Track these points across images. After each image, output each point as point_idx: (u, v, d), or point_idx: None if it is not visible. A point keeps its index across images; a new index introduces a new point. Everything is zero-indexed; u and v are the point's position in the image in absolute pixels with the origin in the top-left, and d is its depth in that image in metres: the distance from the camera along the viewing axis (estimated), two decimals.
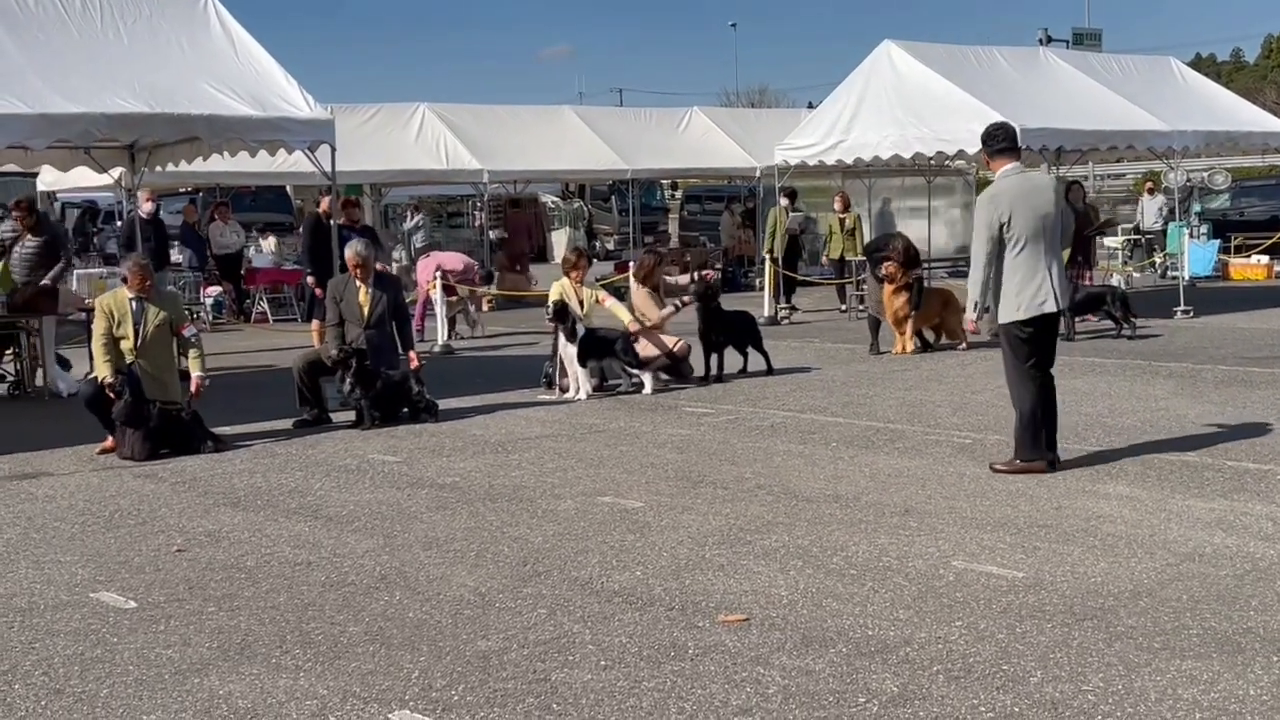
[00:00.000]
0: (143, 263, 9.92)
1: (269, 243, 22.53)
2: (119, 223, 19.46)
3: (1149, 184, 28.68)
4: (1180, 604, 5.44)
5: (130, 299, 9.75)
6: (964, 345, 14.48)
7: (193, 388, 9.77)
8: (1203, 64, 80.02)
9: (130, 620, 5.67)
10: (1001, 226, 7.90)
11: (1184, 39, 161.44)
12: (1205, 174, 30.03)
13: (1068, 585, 5.75)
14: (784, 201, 20.09)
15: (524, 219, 26.06)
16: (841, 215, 20.36)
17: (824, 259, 21.92)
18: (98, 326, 9.80)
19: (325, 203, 15.52)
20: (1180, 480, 7.74)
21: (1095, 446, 8.83)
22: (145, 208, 16.54)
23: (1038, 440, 8.02)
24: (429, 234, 24.54)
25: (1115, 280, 19.85)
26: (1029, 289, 7.91)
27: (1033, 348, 8.06)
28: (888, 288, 14.20)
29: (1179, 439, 9.02)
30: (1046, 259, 7.94)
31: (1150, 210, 26.52)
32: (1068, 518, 6.92)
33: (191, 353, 9.90)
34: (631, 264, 15.67)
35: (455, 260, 18.25)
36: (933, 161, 20.48)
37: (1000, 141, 8.18)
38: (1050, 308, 7.98)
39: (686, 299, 13.07)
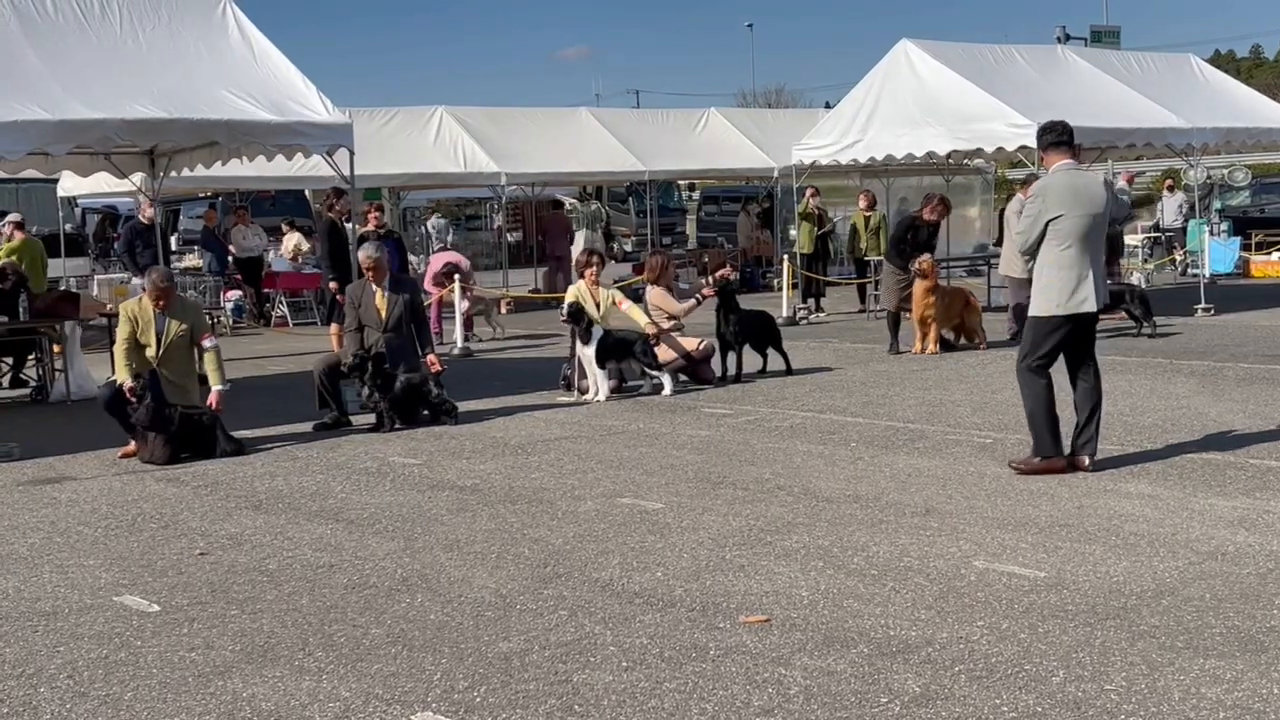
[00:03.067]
0: (164, 284, 9.92)
1: (292, 240, 22.52)
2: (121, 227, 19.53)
3: (1169, 181, 28.57)
4: (1203, 603, 5.42)
5: (154, 308, 9.82)
6: (983, 345, 14.45)
7: (211, 401, 9.80)
8: (1222, 60, 79.70)
9: (154, 623, 5.70)
10: (1049, 223, 7.86)
11: (1203, 35, 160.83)
12: (1225, 171, 29.93)
13: (1090, 585, 5.73)
14: (811, 201, 20.12)
15: (562, 221, 26.10)
16: (867, 214, 20.37)
17: (845, 257, 21.90)
18: (120, 331, 9.86)
19: (339, 204, 15.55)
20: (1202, 479, 7.71)
21: (1117, 445, 8.79)
22: (146, 214, 16.61)
23: (1055, 436, 7.96)
24: (442, 236, 24.58)
25: (1135, 278, 19.80)
26: (1071, 286, 7.86)
27: (1058, 346, 8.01)
28: (920, 284, 14.08)
29: (1201, 437, 8.99)
30: (1092, 257, 7.89)
31: (1170, 208, 26.40)
32: (1089, 517, 6.90)
33: (210, 363, 9.90)
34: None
35: (444, 258, 18.25)
36: (951, 160, 20.45)
37: (1056, 135, 8.12)
38: (1090, 307, 7.92)
39: (707, 291, 13.08)
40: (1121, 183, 15.86)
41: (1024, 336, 8.20)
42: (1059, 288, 7.88)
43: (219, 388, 9.83)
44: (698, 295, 12.99)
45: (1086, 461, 7.94)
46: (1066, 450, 8.01)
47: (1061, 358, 8.13)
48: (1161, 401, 10.55)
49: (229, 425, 9.90)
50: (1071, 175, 7.99)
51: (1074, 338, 8.05)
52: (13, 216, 17.82)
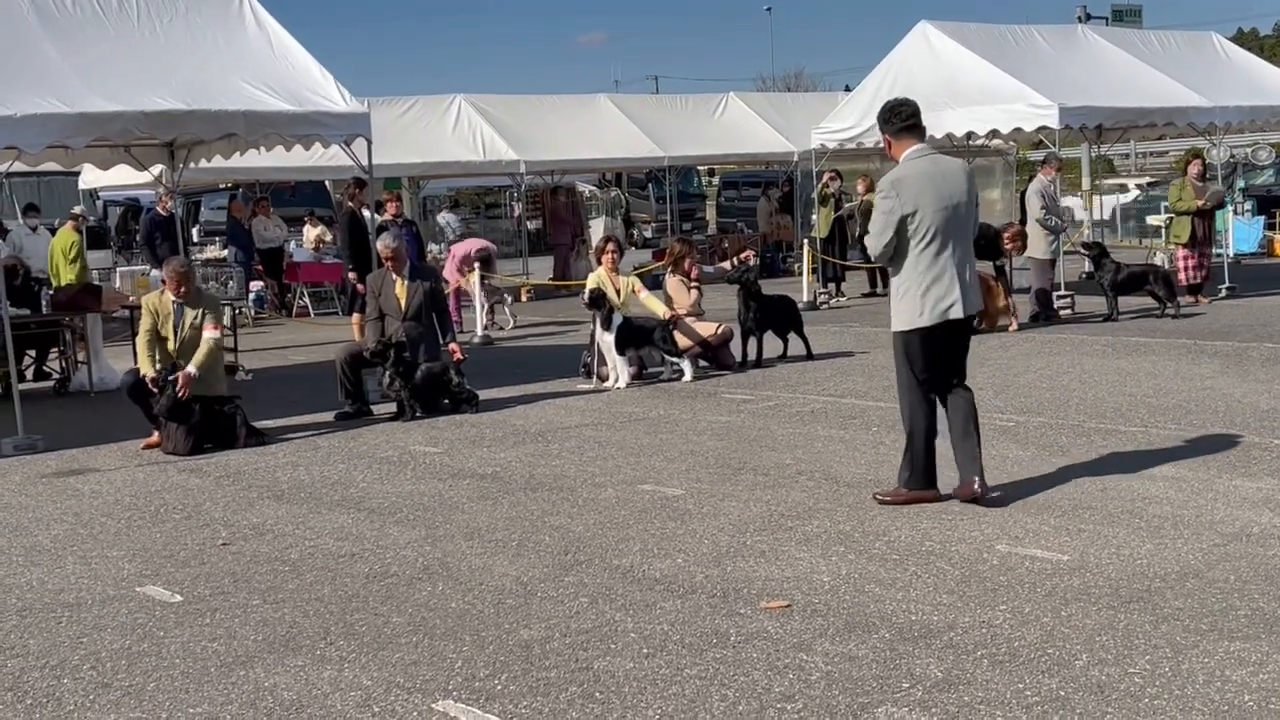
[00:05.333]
0: (182, 269, 9.95)
1: (314, 232, 22.57)
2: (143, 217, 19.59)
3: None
4: (1228, 585, 5.39)
5: (173, 300, 9.84)
6: (1014, 326, 14.40)
7: (178, 376, 9.59)
8: (1245, 39, 79.00)
9: (176, 614, 5.72)
10: (904, 218, 6.71)
11: (1225, 14, 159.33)
12: (1249, 150, 29.70)
13: (1113, 567, 5.70)
14: (831, 185, 20.08)
15: (566, 207, 26.03)
16: (866, 197, 20.40)
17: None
18: (143, 324, 9.92)
19: (359, 194, 15.56)
20: (1227, 460, 7.66)
21: (1140, 426, 8.74)
22: (165, 205, 16.66)
23: (930, 469, 6.92)
24: (455, 228, 24.52)
25: (1159, 259, 19.67)
26: (935, 291, 6.74)
27: (931, 361, 6.86)
28: None
29: (1225, 418, 8.93)
30: (955, 256, 6.76)
31: None
32: (1112, 499, 6.86)
33: (201, 348, 9.73)
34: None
35: (475, 244, 18.22)
36: (971, 142, 20.33)
37: (903, 120, 6.93)
38: (956, 313, 6.76)
39: (726, 265, 13.07)
40: (1042, 177, 15.48)
41: (895, 358, 7.09)
42: (921, 294, 6.76)
43: (190, 370, 9.62)
44: (697, 285, 12.82)
45: (976, 486, 6.80)
46: (960, 479, 6.89)
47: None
48: (1185, 383, 10.48)
49: (251, 415, 9.93)
50: (927, 163, 6.85)
51: (944, 350, 6.89)
52: (76, 209, 18.01)
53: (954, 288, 6.75)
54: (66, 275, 15.82)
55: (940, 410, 6.98)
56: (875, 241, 6.89)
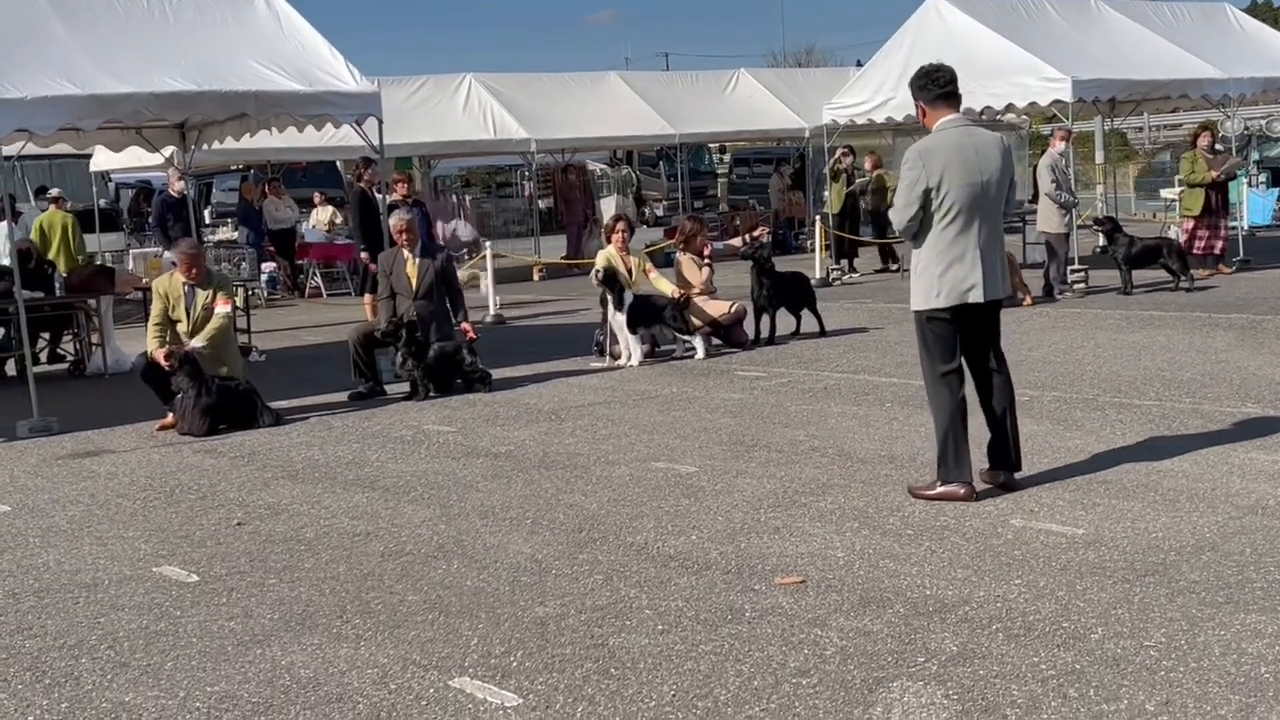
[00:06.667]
0: (192, 251, 9.96)
1: (326, 212, 22.58)
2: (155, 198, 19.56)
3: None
4: (1243, 557, 5.37)
5: (183, 283, 9.86)
6: (1028, 300, 14.36)
7: (185, 346, 9.69)
8: (1259, 10, 78.37)
9: (193, 593, 5.74)
10: (928, 191, 6.36)
11: None
12: (1263, 121, 29.51)
13: (1128, 541, 5.69)
14: (843, 160, 20.05)
15: (573, 186, 25.95)
16: (876, 171, 20.58)
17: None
18: (154, 308, 9.96)
19: (368, 174, 15.56)
20: (1242, 432, 7.63)
21: (1154, 400, 8.72)
22: (176, 187, 16.67)
23: (961, 459, 6.52)
24: (466, 236, 24.50)
25: (1172, 232, 19.58)
26: (955, 272, 6.40)
27: (951, 349, 6.54)
28: None
29: (1240, 391, 8.90)
30: (981, 236, 6.40)
31: None
32: (1127, 473, 6.84)
33: (211, 324, 9.81)
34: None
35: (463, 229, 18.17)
36: (984, 116, 20.23)
37: (941, 86, 6.56)
38: (976, 297, 6.40)
39: (736, 242, 13.05)
40: (1052, 151, 15.37)
41: (918, 341, 6.74)
42: (940, 273, 6.42)
43: (199, 344, 9.72)
44: (709, 262, 12.79)
45: (1001, 478, 6.67)
46: (987, 467, 6.74)
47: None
48: (1200, 356, 10.44)
49: (265, 396, 9.95)
50: (960, 134, 6.50)
51: (968, 336, 6.58)
52: (52, 191, 17.99)
53: (975, 269, 6.38)
54: (69, 261, 15.81)
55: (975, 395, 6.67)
56: (899, 215, 6.51)
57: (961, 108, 6.76)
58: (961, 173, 6.36)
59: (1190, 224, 16.86)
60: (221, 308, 9.88)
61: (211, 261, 12.81)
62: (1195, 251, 16.41)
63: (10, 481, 8.34)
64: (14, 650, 5.16)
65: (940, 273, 6.42)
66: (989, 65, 16.78)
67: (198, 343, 9.69)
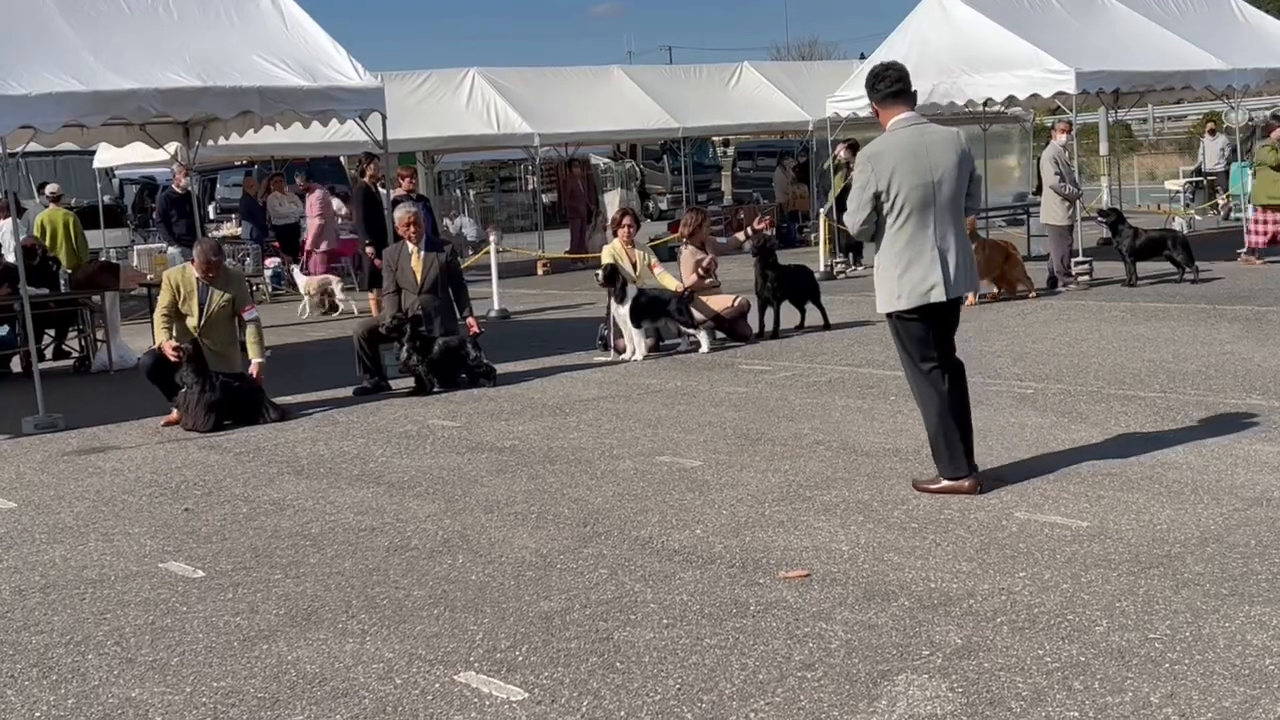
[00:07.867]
0: (214, 256, 9.95)
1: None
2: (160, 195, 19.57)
3: (1210, 125, 28.14)
4: (1248, 549, 5.37)
5: (197, 278, 9.88)
6: (1034, 293, 14.35)
7: (252, 372, 9.86)
8: (1262, 0, 78.25)
9: (199, 589, 5.76)
10: (878, 195, 6.33)
11: None
12: (1267, 112, 29.43)
13: (1133, 533, 5.69)
14: (842, 154, 19.99)
15: (576, 180, 25.94)
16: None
17: None
18: (161, 299, 9.95)
19: (371, 169, 15.56)
20: (1247, 424, 7.63)
21: (1159, 392, 8.71)
22: (180, 182, 16.68)
23: (955, 453, 6.50)
24: (472, 233, 24.49)
25: (1177, 223, 19.56)
26: (914, 272, 6.33)
27: (928, 343, 6.49)
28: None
29: (1245, 382, 8.89)
30: (937, 234, 6.33)
31: (1212, 151, 26.05)
32: (1132, 465, 6.84)
33: (250, 336, 9.96)
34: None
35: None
36: (987, 109, 20.22)
37: (889, 85, 6.49)
38: (938, 296, 6.32)
39: (741, 236, 13.06)
40: (1055, 143, 15.30)
41: (894, 342, 6.72)
42: (900, 274, 6.37)
43: (259, 360, 9.90)
44: (710, 255, 12.79)
45: (966, 483, 6.53)
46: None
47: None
48: (1204, 348, 10.43)
49: (270, 391, 9.97)
50: (910, 134, 6.40)
51: (936, 333, 6.51)
52: (51, 188, 18.00)
53: (934, 268, 6.31)
54: (71, 258, 15.83)
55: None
56: (852, 219, 6.51)
57: (917, 104, 6.72)
58: (911, 173, 6.31)
59: (1262, 212, 16.67)
60: (251, 314, 10.00)
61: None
62: (1261, 242, 16.37)
63: (16, 478, 8.36)
64: (20, 646, 5.17)
65: (899, 274, 6.39)
66: (992, 57, 16.77)
67: (257, 358, 9.88)
